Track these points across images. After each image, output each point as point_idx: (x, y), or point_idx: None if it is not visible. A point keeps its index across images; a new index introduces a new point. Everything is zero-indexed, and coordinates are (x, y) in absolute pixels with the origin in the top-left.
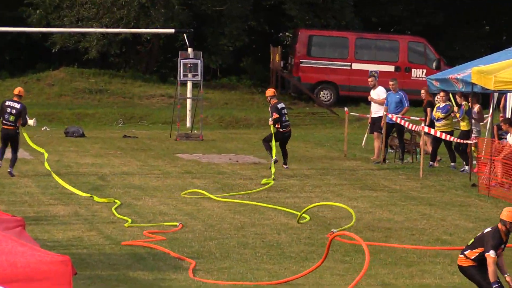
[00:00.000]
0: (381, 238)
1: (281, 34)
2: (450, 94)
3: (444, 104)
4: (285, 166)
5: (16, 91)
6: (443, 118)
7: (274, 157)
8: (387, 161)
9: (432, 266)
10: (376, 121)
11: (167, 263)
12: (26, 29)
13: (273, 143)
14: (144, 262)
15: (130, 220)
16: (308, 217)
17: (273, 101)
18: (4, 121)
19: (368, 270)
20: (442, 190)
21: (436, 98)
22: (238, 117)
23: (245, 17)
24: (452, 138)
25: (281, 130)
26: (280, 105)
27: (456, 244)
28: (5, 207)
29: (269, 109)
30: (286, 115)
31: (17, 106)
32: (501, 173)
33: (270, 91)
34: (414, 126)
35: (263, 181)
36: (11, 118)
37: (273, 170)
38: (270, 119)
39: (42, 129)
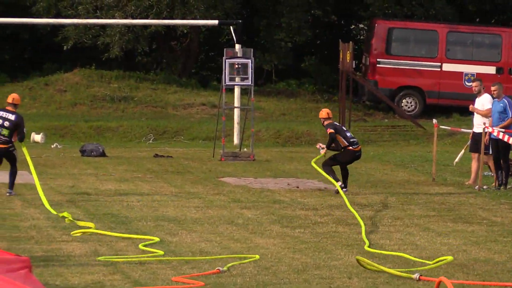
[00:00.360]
0: (479, 283)
1: (353, 26)
2: None
3: None
4: (345, 189)
5: (9, 98)
6: None
7: (339, 182)
8: (499, 187)
9: None
10: (479, 137)
11: None
12: (31, 20)
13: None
14: None
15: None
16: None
17: (327, 122)
18: None
19: None
20: None
21: None
22: (298, 131)
23: (308, 5)
24: None
25: (350, 148)
26: (338, 124)
27: None
28: (7, 245)
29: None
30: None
31: (11, 117)
32: None
33: (324, 112)
34: None
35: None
36: (4, 132)
37: (344, 197)
38: (318, 145)
39: (53, 146)
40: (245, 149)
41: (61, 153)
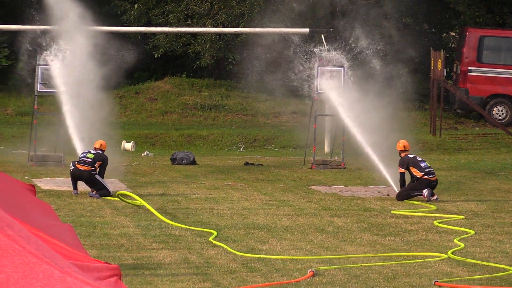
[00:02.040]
0: None
1: (444, 34)
2: None
3: None
4: (435, 197)
5: (97, 144)
6: None
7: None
8: None
9: None
10: None
11: None
12: (122, 29)
13: None
14: None
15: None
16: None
17: (404, 154)
18: (78, 161)
19: None
20: None
21: None
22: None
23: (399, 12)
24: None
25: (426, 177)
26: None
27: None
28: (97, 252)
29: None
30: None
31: (99, 152)
32: None
33: (400, 145)
34: None
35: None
36: (89, 155)
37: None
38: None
39: (143, 154)
40: (335, 157)
41: (151, 161)
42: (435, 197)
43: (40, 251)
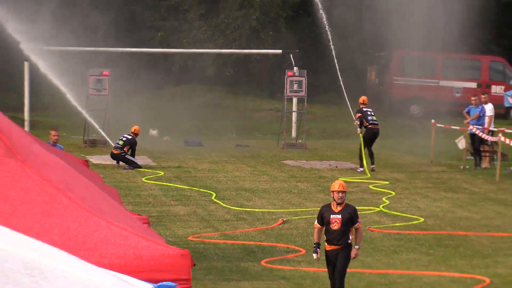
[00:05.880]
0: (461, 233)
1: (377, 54)
2: None
3: None
4: (372, 166)
5: (132, 129)
6: None
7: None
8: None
9: (505, 258)
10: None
11: (274, 255)
12: (149, 50)
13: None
14: (254, 255)
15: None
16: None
17: (362, 106)
18: (114, 146)
19: (449, 261)
20: None
21: None
22: (338, 128)
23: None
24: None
25: (370, 126)
26: (365, 109)
27: None
28: (132, 207)
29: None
30: (374, 116)
31: (129, 137)
32: None
33: (361, 100)
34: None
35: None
36: (120, 142)
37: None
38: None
39: (164, 139)
40: (300, 141)
41: (170, 144)
42: (373, 166)
43: (91, 207)
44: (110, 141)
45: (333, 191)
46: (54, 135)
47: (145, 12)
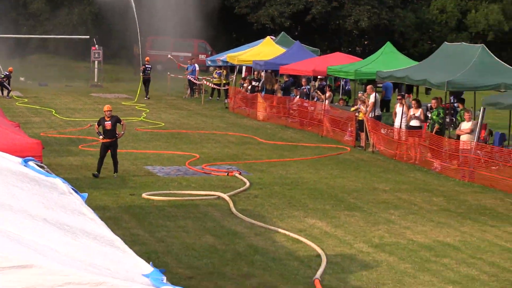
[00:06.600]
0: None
1: None
2: None
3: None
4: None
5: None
6: None
7: None
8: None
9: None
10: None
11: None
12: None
13: None
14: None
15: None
16: None
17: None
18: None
19: (179, 145)
20: None
21: None
22: None
23: None
24: None
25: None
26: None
27: None
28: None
29: None
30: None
31: (7, 73)
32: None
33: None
34: None
35: None
36: (2, 75)
37: None
38: None
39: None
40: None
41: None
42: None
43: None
44: None
45: (105, 111)
46: None
47: None
